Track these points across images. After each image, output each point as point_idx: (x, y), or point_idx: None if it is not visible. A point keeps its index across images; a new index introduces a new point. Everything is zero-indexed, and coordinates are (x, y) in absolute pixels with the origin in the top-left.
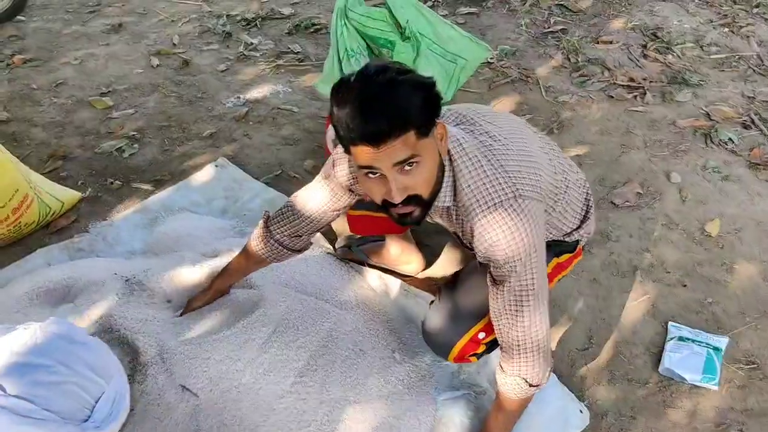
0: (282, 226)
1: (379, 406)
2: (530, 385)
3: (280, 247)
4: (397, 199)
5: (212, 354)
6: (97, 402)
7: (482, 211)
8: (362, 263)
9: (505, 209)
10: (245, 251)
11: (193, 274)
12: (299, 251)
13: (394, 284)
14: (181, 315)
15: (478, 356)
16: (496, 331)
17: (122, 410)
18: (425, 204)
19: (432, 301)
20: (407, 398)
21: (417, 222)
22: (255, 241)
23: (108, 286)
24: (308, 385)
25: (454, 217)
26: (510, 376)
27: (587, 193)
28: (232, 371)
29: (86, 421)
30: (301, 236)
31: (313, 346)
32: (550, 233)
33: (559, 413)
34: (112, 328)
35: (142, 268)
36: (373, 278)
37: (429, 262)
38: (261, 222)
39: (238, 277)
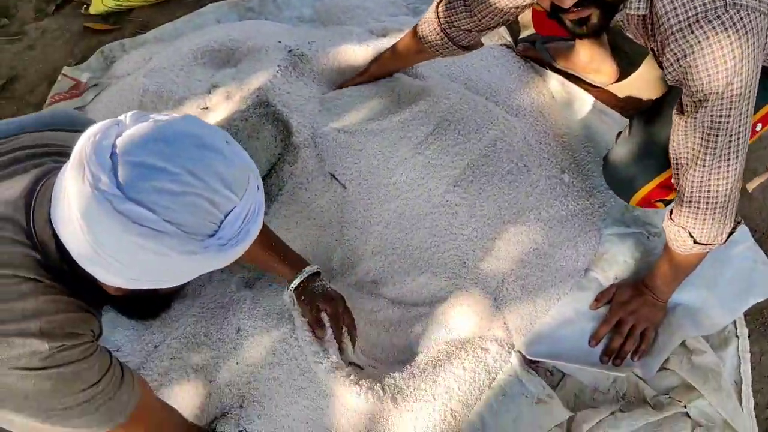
0: (452, 15)
1: (535, 230)
2: (696, 242)
3: (447, 39)
4: (567, 2)
5: (365, 146)
6: (226, 217)
7: (680, 21)
8: (544, 64)
9: (711, 20)
10: (410, 35)
11: (357, 52)
12: (467, 48)
13: (578, 94)
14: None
15: (667, 203)
16: (672, 170)
17: (253, 229)
18: (606, 6)
19: (619, 133)
20: (569, 226)
21: (596, 32)
22: (423, 26)
23: (271, 55)
24: (461, 196)
25: (650, 28)
26: (676, 226)
27: None
28: (383, 168)
29: (212, 236)
30: (471, 31)
31: (473, 153)
32: None
33: (744, 275)
34: (269, 103)
35: (307, 39)
36: (554, 84)
37: (625, 74)
38: (433, 5)
39: (396, 66)
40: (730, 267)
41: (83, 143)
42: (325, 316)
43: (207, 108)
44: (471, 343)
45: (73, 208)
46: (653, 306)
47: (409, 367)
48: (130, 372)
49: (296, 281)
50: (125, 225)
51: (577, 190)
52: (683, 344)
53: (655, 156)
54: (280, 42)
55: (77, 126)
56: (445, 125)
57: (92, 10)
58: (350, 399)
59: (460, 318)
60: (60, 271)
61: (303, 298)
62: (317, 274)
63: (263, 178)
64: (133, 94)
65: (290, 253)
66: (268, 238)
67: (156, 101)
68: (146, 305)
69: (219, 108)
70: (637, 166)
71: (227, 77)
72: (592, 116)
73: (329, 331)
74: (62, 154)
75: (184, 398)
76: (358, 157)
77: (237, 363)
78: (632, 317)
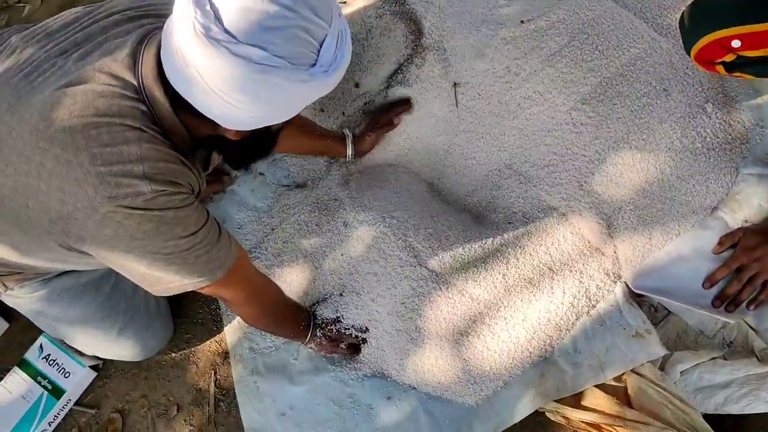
0: None
1: (663, 159)
2: None
3: None
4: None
5: (494, 57)
6: (321, 45)
7: None
8: None
9: None
10: None
11: None
12: None
13: None
14: None
15: (727, 67)
16: None
17: (347, 53)
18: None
19: None
20: (703, 160)
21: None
22: None
23: None
24: (588, 115)
25: None
26: None
27: None
28: (509, 80)
29: (314, 65)
30: None
31: (608, 71)
32: None
33: None
34: (405, 0)
35: None
36: None
37: None
38: None
39: None
40: None
41: (181, 2)
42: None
43: (345, 2)
44: (576, 267)
45: (191, 62)
46: None
47: (504, 280)
48: (228, 234)
49: (349, 143)
50: (244, 65)
51: (719, 122)
52: None
53: (724, 7)
54: None
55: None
56: (582, 38)
57: None
58: (441, 306)
59: (569, 241)
60: (165, 125)
61: (365, 140)
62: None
63: (390, 77)
64: None
65: (329, 132)
66: (310, 124)
67: None
68: (257, 148)
69: (356, 2)
70: (701, 16)
71: None
72: None
73: None
74: (159, 16)
75: (292, 280)
76: (486, 66)
77: (342, 254)
78: (756, 265)
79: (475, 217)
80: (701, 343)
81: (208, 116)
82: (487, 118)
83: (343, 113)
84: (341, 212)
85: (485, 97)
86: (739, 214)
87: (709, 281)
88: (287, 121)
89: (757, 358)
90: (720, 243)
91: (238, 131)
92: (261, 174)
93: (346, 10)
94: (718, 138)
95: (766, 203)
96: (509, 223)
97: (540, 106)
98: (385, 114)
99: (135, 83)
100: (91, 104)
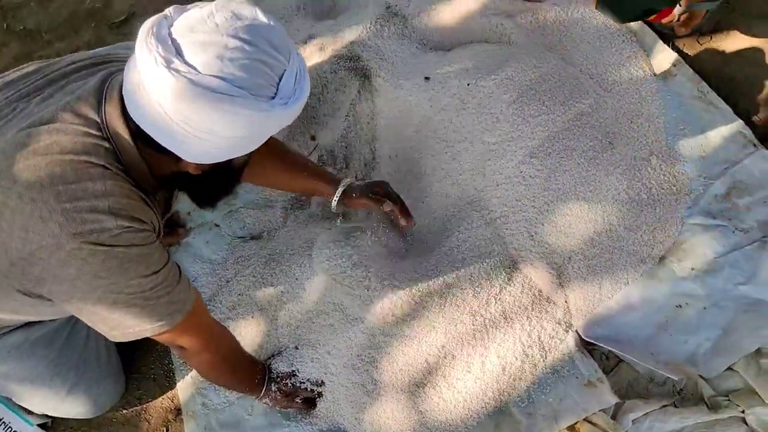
0: None
1: (611, 210)
2: None
3: None
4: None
5: (439, 112)
6: (281, 78)
7: None
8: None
9: None
10: None
11: (454, 13)
12: None
13: (688, 76)
14: None
15: None
16: None
17: (306, 87)
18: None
19: None
20: (649, 210)
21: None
22: None
23: (370, 9)
24: (537, 168)
25: None
26: None
27: None
28: (454, 129)
29: (273, 97)
30: None
31: (555, 126)
32: None
33: None
34: (359, 57)
35: None
36: (663, 62)
37: None
38: None
39: None
40: None
41: (142, 38)
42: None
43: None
44: (528, 316)
45: (153, 94)
46: None
47: (457, 329)
48: (186, 277)
49: (340, 189)
50: (206, 95)
51: (663, 174)
52: None
53: None
54: None
55: (121, 52)
56: (530, 94)
57: None
58: (396, 358)
59: (521, 290)
60: (128, 163)
61: (353, 196)
62: (354, 181)
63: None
64: None
65: (325, 172)
66: (303, 162)
67: None
68: (220, 184)
69: (312, 58)
70: None
71: (325, 29)
72: (698, 103)
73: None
74: (121, 61)
75: (247, 333)
76: (430, 114)
77: (297, 306)
78: None
79: (431, 264)
80: (652, 391)
81: (170, 150)
82: (438, 172)
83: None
84: (298, 263)
85: (432, 134)
86: (686, 263)
87: None
88: (274, 157)
89: (707, 405)
90: None
91: (198, 165)
92: (216, 225)
93: None
94: (663, 189)
95: (712, 252)
96: (463, 271)
97: (491, 156)
98: (389, 200)
99: (98, 120)
100: (55, 142)
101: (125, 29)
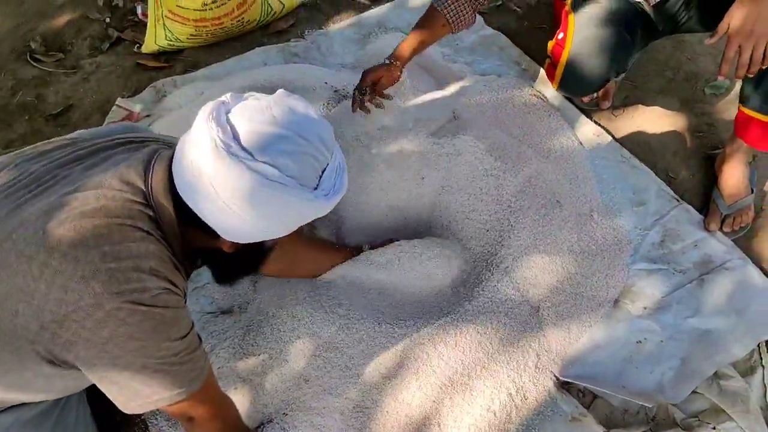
0: None
1: (568, 261)
2: None
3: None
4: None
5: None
6: (323, 171)
7: None
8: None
9: None
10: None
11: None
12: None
13: (610, 144)
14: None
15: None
16: None
17: (344, 182)
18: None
19: None
20: (599, 259)
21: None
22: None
23: (318, 93)
24: (494, 228)
25: None
26: None
27: None
28: (411, 189)
29: (316, 188)
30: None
31: (508, 190)
32: None
33: None
34: None
35: (351, 82)
36: (587, 133)
37: None
38: None
39: (422, 44)
40: (761, 296)
41: (202, 120)
42: None
43: None
44: (508, 361)
45: (207, 175)
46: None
47: (448, 382)
48: (201, 342)
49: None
50: (258, 180)
51: (605, 227)
52: None
53: None
54: (326, 83)
55: (153, 134)
56: (485, 161)
57: (144, 50)
58: (390, 412)
59: (499, 337)
60: (167, 233)
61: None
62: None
63: None
64: (186, 125)
65: (343, 248)
66: (322, 243)
67: None
68: (247, 263)
69: None
70: None
71: None
72: (623, 167)
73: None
74: (159, 141)
75: None
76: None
77: (282, 372)
78: (751, 40)
79: (410, 318)
80: (628, 421)
81: (211, 226)
82: (403, 217)
83: None
84: (277, 329)
85: (387, 197)
86: (639, 303)
87: (721, 73)
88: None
89: (681, 427)
90: (713, 34)
91: (233, 243)
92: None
93: None
94: (606, 240)
95: (659, 293)
96: (443, 326)
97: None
98: None
99: (144, 189)
100: (103, 207)
101: (62, 120)
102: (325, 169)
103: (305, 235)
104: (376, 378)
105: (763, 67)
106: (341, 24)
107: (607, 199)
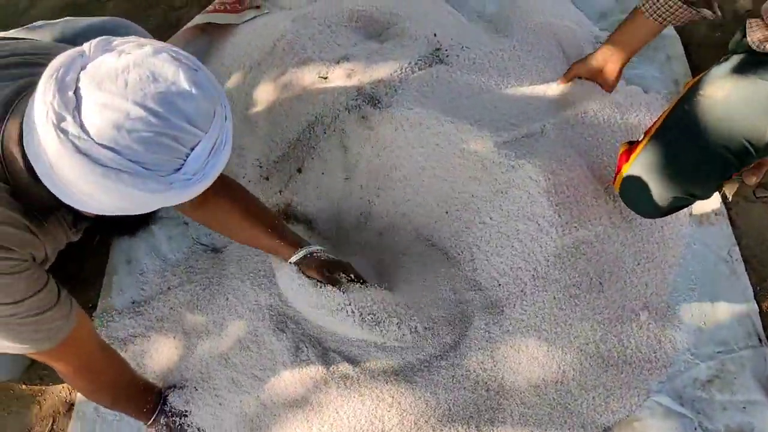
0: None
1: (570, 361)
2: None
3: None
4: None
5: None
6: (192, 151)
7: None
8: None
9: None
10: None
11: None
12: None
13: (720, 230)
14: None
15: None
16: None
17: (220, 161)
18: None
19: None
20: (613, 372)
21: None
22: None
23: (416, 46)
24: (506, 285)
25: None
26: None
27: None
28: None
29: (177, 170)
30: None
31: (546, 249)
32: None
33: None
34: (378, 101)
35: (465, 43)
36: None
37: None
38: None
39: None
40: None
41: (46, 79)
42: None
43: (326, 78)
44: None
45: (40, 144)
46: None
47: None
48: (70, 304)
49: (296, 257)
50: (89, 166)
51: (649, 335)
52: None
53: None
54: (435, 35)
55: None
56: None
57: None
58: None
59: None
60: (18, 186)
61: (310, 266)
62: (318, 250)
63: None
64: (272, 34)
65: (290, 233)
66: (267, 217)
67: (286, 50)
68: (120, 225)
69: (336, 81)
70: None
71: (364, 53)
72: (722, 267)
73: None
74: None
75: (162, 352)
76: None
77: (213, 344)
78: None
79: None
80: None
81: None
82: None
83: (280, 192)
84: (233, 295)
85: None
86: None
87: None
88: (234, 206)
89: None
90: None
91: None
92: (185, 224)
93: (323, 90)
94: (640, 353)
95: None
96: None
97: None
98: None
99: None
100: None
101: None
102: (193, 148)
103: (243, 199)
104: (285, 399)
105: None
106: None
107: (674, 299)
